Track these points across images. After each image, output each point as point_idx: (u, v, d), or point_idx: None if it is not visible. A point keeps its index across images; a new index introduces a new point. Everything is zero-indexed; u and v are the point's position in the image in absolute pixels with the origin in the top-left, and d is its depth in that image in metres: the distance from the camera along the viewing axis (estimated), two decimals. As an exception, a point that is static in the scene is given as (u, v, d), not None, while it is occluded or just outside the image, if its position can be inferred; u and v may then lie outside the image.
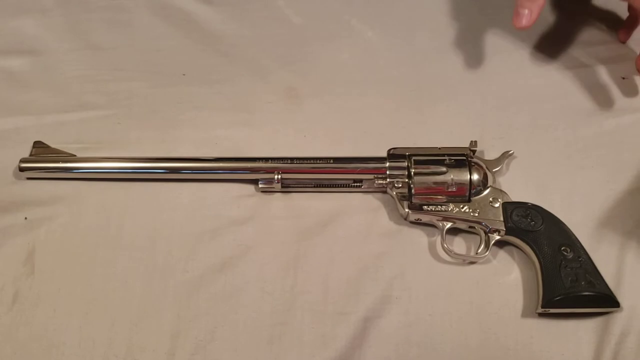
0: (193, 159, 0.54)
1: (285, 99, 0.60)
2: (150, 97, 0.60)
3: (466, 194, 0.52)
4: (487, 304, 0.50)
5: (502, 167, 0.54)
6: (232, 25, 0.64)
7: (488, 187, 0.52)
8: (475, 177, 0.52)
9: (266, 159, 0.53)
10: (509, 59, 0.62)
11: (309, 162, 0.53)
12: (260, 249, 0.52)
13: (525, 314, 0.50)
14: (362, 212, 0.54)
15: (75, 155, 0.55)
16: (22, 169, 0.54)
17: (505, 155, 0.55)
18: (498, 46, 0.63)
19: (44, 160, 0.54)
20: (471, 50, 0.62)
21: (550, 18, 0.64)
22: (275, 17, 0.65)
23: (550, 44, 0.62)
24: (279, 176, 0.53)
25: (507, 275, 0.51)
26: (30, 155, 0.55)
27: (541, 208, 0.52)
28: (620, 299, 0.49)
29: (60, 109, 0.59)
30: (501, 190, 0.53)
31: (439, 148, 0.54)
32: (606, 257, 0.51)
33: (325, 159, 0.53)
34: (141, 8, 0.64)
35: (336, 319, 0.49)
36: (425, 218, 0.52)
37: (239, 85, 0.60)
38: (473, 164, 0.53)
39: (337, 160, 0.54)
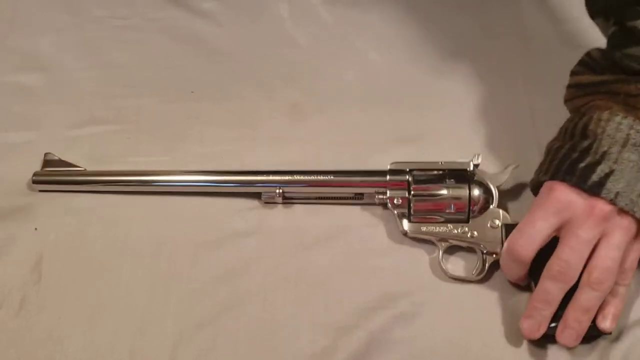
0: (198, 172, 0.56)
1: (289, 115, 0.61)
2: (159, 113, 0.61)
3: (465, 214, 0.52)
4: (489, 322, 0.50)
5: (506, 180, 0.54)
6: (240, 45, 0.66)
7: (489, 207, 0.52)
8: (475, 194, 0.52)
9: (268, 173, 0.55)
10: (511, 80, 0.63)
11: (309, 175, 0.54)
12: (263, 260, 0.53)
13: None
14: (363, 226, 0.55)
15: (85, 170, 0.56)
16: (34, 182, 0.56)
17: (509, 169, 0.54)
18: (499, 67, 0.64)
19: (55, 174, 0.56)
20: (473, 71, 0.64)
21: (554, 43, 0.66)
22: (282, 38, 0.67)
23: (554, 68, 0.63)
24: (280, 190, 0.54)
25: (510, 296, 0.51)
26: (42, 167, 0.56)
27: None
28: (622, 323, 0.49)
29: (71, 123, 0.60)
30: (502, 211, 0.53)
31: (441, 163, 0.54)
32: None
33: (326, 173, 0.54)
34: (152, 28, 0.67)
35: (337, 332, 0.50)
36: (424, 236, 0.53)
37: (245, 102, 0.62)
38: (475, 181, 0.53)
39: (337, 174, 0.55)
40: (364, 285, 0.52)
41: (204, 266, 0.53)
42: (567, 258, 0.46)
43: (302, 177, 0.54)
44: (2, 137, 0.59)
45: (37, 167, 0.57)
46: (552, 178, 0.48)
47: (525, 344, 0.49)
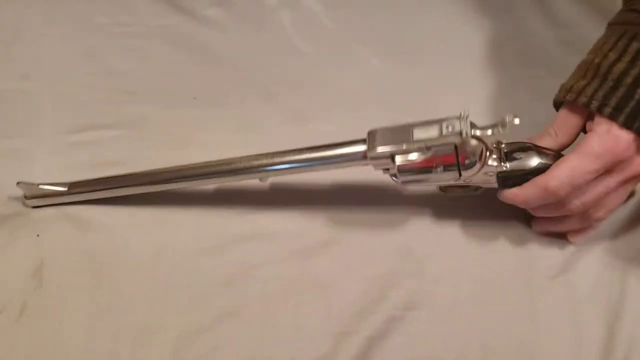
0: (178, 169, 0.54)
1: (292, 121, 0.61)
2: (161, 119, 0.62)
3: (455, 171, 0.48)
4: (488, 326, 0.50)
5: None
6: (243, 52, 0.66)
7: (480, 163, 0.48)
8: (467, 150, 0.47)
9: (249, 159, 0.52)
10: (512, 87, 0.63)
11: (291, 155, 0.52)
12: (263, 267, 0.53)
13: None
14: (365, 231, 0.54)
15: (65, 190, 0.55)
16: (27, 197, 0.55)
17: (504, 122, 0.45)
18: (501, 74, 0.64)
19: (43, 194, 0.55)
20: (474, 78, 0.64)
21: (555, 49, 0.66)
22: (284, 45, 0.67)
23: (556, 74, 0.63)
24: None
25: (508, 301, 0.51)
26: (24, 196, 0.55)
27: None
28: (620, 326, 0.49)
29: (73, 129, 0.61)
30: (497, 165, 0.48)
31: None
32: (609, 283, 0.51)
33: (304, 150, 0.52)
34: (155, 34, 0.67)
35: (338, 338, 0.49)
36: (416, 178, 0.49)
37: (248, 108, 0.62)
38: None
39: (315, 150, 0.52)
40: (365, 291, 0.51)
41: (203, 272, 0.52)
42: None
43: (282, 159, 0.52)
44: (4, 143, 0.59)
45: (40, 173, 0.57)
46: (626, 124, 0.45)
47: (526, 349, 0.48)
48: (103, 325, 0.50)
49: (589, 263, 0.52)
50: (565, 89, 0.49)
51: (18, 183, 0.55)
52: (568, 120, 0.50)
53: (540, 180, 0.48)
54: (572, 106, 0.49)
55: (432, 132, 0.47)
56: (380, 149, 0.48)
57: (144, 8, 0.69)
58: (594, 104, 0.47)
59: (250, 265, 0.53)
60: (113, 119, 0.62)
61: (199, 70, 0.65)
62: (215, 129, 0.61)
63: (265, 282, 0.52)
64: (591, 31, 0.55)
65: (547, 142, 0.50)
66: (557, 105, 0.51)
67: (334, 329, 0.50)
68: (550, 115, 0.52)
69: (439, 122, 0.47)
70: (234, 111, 0.62)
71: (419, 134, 0.48)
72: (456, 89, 0.63)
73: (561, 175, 0.46)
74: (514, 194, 0.49)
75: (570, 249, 0.53)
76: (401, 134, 0.48)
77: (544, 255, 0.53)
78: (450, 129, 0.46)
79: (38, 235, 0.54)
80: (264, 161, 0.52)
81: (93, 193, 0.55)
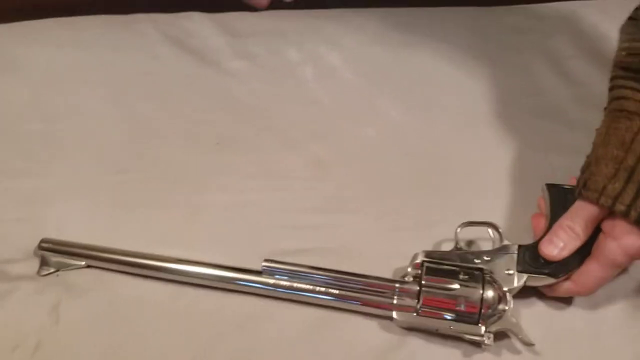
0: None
1: (312, 169, 0.62)
2: (183, 163, 0.62)
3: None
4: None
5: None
6: (266, 102, 0.68)
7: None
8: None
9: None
10: (530, 141, 0.64)
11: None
12: (282, 310, 0.52)
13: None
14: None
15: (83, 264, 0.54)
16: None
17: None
18: (517, 128, 0.65)
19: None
20: (491, 134, 0.65)
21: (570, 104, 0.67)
22: (306, 97, 0.69)
23: (572, 128, 0.65)
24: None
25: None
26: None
27: None
28: None
29: (96, 171, 0.61)
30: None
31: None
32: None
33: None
34: (181, 83, 0.69)
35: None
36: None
37: (269, 156, 0.63)
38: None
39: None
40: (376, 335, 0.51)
41: (222, 311, 0.52)
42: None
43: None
44: (27, 183, 0.60)
45: (62, 213, 0.57)
46: None
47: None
48: (118, 364, 0.49)
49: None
50: (596, 189, 0.48)
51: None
52: (591, 219, 0.50)
53: (572, 290, 0.51)
54: (596, 204, 0.49)
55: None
56: None
57: (171, 58, 0.71)
58: (622, 209, 0.47)
59: (269, 307, 0.52)
60: (135, 162, 0.62)
61: (222, 117, 0.67)
62: (236, 173, 0.62)
63: (283, 326, 0.52)
64: (604, 88, 0.55)
65: (573, 245, 0.50)
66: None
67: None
68: (570, 169, 0.53)
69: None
70: (255, 157, 0.63)
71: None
72: (473, 144, 0.65)
73: (590, 287, 0.51)
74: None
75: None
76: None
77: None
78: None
79: (57, 275, 0.54)
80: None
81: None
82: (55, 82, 0.69)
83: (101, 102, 0.68)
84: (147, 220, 0.58)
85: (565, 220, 0.51)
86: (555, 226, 0.51)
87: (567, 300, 0.53)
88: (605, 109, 0.53)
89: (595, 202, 0.48)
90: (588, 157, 0.51)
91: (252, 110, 0.67)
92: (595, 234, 0.50)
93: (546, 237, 0.51)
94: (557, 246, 0.50)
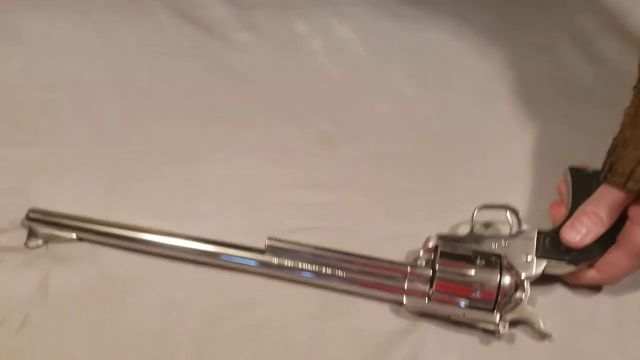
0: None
1: (319, 145, 0.59)
2: (185, 137, 0.59)
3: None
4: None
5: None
6: (272, 75, 0.65)
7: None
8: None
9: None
10: (550, 121, 0.61)
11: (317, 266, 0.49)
12: (286, 292, 0.50)
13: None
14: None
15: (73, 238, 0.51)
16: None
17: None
18: (538, 108, 0.62)
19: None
20: (511, 112, 0.62)
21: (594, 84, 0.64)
22: (315, 71, 0.65)
23: (595, 109, 0.61)
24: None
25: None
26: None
27: None
28: None
29: (95, 143, 0.58)
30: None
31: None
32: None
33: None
34: (184, 55, 0.66)
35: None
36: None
37: (275, 130, 0.60)
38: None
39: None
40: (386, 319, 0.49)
41: (221, 292, 0.49)
42: None
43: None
44: (19, 152, 0.57)
45: (59, 182, 0.54)
46: None
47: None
48: (107, 346, 0.46)
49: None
50: (623, 173, 0.45)
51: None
52: (616, 205, 0.47)
53: (596, 279, 0.49)
54: (622, 189, 0.46)
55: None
56: None
57: (173, 29, 0.68)
58: None
59: (270, 287, 0.50)
60: (134, 135, 0.59)
61: (227, 90, 0.63)
62: (240, 148, 0.59)
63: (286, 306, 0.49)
64: (631, 67, 0.52)
65: (596, 232, 0.47)
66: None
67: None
68: (595, 151, 0.50)
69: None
70: (260, 132, 0.60)
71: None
72: (492, 123, 0.61)
73: (615, 276, 0.48)
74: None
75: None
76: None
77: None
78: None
79: (47, 248, 0.51)
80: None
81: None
82: (53, 52, 0.66)
83: (100, 73, 0.64)
84: (144, 194, 0.55)
85: (588, 206, 0.47)
86: (578, 211, 0.48)
87: (587, 287, 0.50)
88: (634, 87, 0.50)
89: (622, 186, 0.45)
90: (615, 139, 0.48)
91: (257, 83, 0.64)
92: (619, 220, 0.47)
93: (568, 223, 0.48)
94: (580, 232, 0.47)
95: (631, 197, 0.46)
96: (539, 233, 0.49)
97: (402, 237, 0.52)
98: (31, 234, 0.51)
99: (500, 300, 0.46)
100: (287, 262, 0.49)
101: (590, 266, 0.48)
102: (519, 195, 0.56)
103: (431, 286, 0.47)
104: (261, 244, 0.49)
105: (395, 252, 0.51)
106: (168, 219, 0.53)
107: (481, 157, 0.59)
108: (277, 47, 0.67)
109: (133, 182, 0.56)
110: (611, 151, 0.48)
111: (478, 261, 0.47)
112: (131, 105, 0.62)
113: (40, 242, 0.50)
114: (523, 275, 0.48)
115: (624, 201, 0.46)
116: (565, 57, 0.66)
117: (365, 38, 0.68)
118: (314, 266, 0.49)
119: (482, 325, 0.47)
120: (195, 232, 0.51)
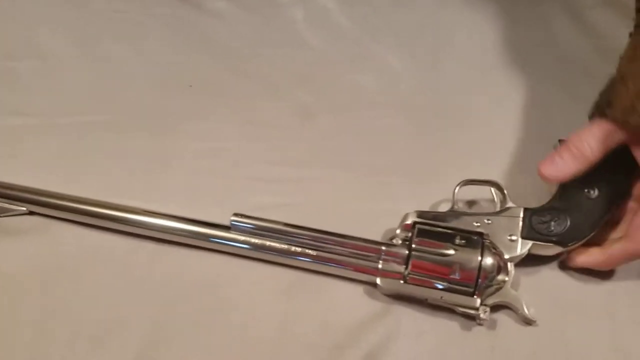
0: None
1: (296, 117, 0.56)
2: (154, 106, 0.56)
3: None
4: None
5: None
6: (247, 44, 0.61)
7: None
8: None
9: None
10: (542, 95, 0.58)
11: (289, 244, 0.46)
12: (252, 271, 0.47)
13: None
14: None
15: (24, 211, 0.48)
16: None
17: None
18: (528, 81, 0.58)
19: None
20: (500, 84, 0.59)
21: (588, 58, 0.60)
22: (294, 40, 0.62)
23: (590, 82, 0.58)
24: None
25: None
26: None
27: None
28: None
29: (62, 112, 0.55)
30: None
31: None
32: None
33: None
34: (154, 22, 0.63)
35: (334, 352, 0.43)
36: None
37: (249, 100, 0.57)
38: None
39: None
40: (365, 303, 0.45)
41: (186, 270, 0.46)
42: None
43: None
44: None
45: (22, 152, 0.52)
46: None
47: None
48: (57, 323, 0.43)
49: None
50: (624, 107, 0.42)
51: None
52: (607, 141, 0.43)
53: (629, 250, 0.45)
54: (619, 125, 0.42)
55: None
56: None
57: (147, -5, 0.65)
58: None
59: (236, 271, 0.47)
60: (99, 105, 0.56)
61: (199, 59, 0.60)
62: (212, 119, 0.55)
63: (252, 286, 0.46)
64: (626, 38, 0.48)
65: (577, 166, 0.44)
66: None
67: (328, 343, 0.44)
68: (585, 119, 0.46)
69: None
70: (233, 102, 0.56)
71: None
72: (480, 96, 0.58)
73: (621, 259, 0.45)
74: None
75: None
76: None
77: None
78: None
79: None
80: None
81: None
82: (15, 18, 0.62)
83: (66, 40, 0.61)
84: (108, 167, 0.52)
85: (572, 140, 0.44)
86: (561, 146, 0.44)
87: (576, 270, 0.47)
88: (630, 34, 0.46)
89: (621, 121, 0.42)
90: (610, 79, 0.45)
91: (233, 52, 0.60)
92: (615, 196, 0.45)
93: (547, 157, 0.44)
94: (558, 166, 0.44)
95: (627, 134, 0.43)
96: (524, 211, 0.46)
97: (382, 215, 0.49)
98: None
99: (481, 282, 0.43)
100: (254, 240, 0.46)
101: (573, 249, 0.45)
102: (506, 169, 0.53)
103: (407, 267, 0.44)
104: (227, 220, 0.46)
105: (375, 230, 0.49)
106: (130, 193, 0.50)
107: (467, 130, 0.56)
108: (255, 15, 0.64)
109: (96, 154, 0.53)
110: (606, 90, 0.44)
111: (458, 240, 0.44)
112: (98, 75, 0.59)
113: None
114: (506, 256, 0.44)
115: (616, 138, 0.43)
116: (559, 28, 0.63)
117: (350, 6, 0.64)
118: (282, 244, 0.46)
119: (461, 310, 0.44)
120: (159, 208, 0.48)
